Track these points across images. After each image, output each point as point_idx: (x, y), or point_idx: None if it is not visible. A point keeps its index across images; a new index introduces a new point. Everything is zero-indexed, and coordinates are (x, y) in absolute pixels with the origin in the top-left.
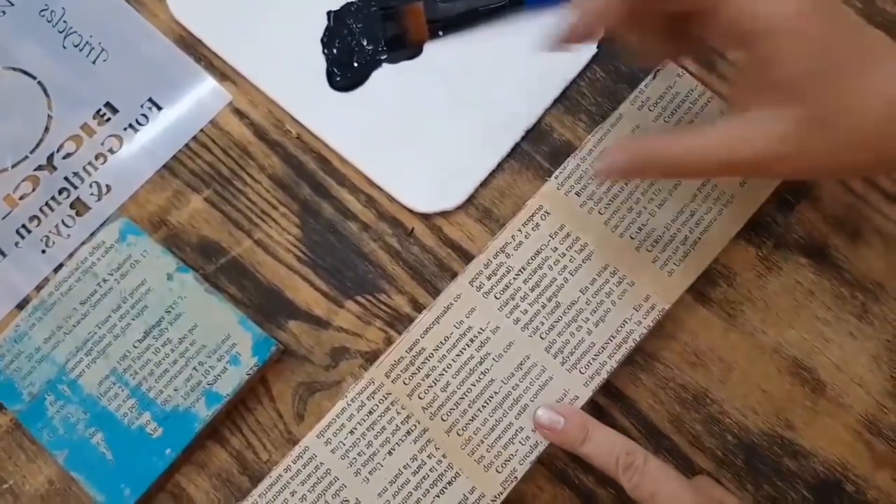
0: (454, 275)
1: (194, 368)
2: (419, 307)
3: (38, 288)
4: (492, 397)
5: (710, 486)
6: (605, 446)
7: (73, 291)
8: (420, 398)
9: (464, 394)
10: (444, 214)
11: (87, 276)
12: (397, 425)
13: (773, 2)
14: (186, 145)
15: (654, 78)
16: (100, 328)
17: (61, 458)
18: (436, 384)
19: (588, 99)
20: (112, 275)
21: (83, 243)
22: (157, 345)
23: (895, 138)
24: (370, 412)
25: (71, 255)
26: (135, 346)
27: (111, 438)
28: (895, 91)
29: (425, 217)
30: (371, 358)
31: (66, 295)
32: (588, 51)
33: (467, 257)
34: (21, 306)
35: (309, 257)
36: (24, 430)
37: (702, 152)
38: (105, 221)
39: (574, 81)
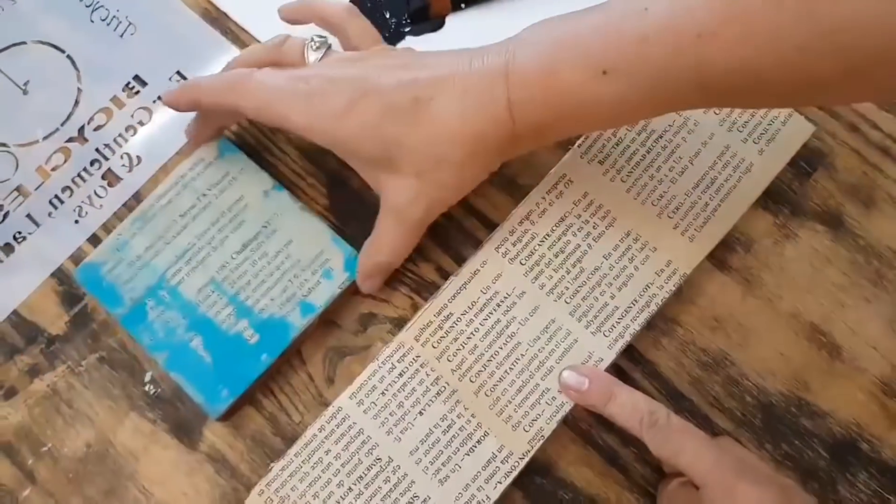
0: (478, 243)
1: (289, 280)
2: (445, 275)
3: (73, 258)
4: (518, 359)
5: (731, 445)
6: (629, 406)
7: (172, 204)
8: (449, 360)
9: (491, 356)
10: None
11: (187, 190)
12: (427, 387)
13: None
14: None
15: None
16: (199, 240)
17: (161, 360)
18: (464, 347)
19: None
20: (211, 190)
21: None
22: (254, 257)
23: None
24: (401, 374)
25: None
26: (232, 258)
27: (209, 343)
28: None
29: None
30: (398, 323)
31: (166, 207)
32: None
33: (491, 226)
34: (56, 276)
35: (337, 226)
36: (62, 396)
37: None
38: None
39: None
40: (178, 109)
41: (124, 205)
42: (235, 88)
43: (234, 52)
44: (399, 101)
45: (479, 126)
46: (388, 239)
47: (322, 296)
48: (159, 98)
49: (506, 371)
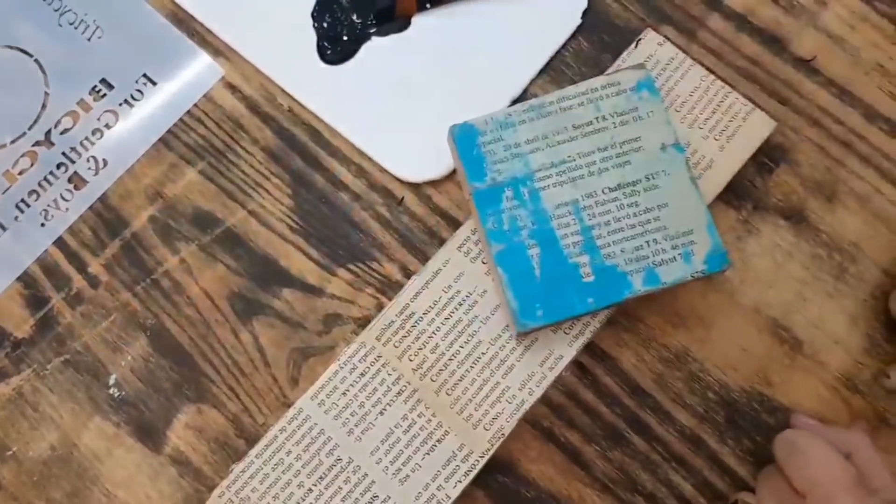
0: (443, 242)
1: (647, 242)
2: (409, 274)
3: (39, 262)
4: (479, 358)
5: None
6: None
7: (571, 112)
8: (410, 360)
9: (452, 355)
10: (432, 183)
11: (591, 105)
12: (388, 386)
13: None
14: (181, 119)
15: (635, 47)
16: (580, 158)
17: (495, 250)
18: (425, 346)
19: (573, 69)
20: (613, 116)
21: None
22: (624, 202)
23: None
24: (362, 374)
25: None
26: (604, 192)
27: (546, 258)
28: None
29: (414, 186)
30: (363, 324)
31: (564, 112)
32: (573, 22)
33: (456, 224)
34: (22, 279)
35: (301, 227)
36: (27, 399)
37: None
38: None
39: (559, 52)
40: None
41: (90, 208)
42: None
43: (200, 54)
44: None
45: None
46: None
47: (672, 273)
48: (125, 101)
49: (467, 370)
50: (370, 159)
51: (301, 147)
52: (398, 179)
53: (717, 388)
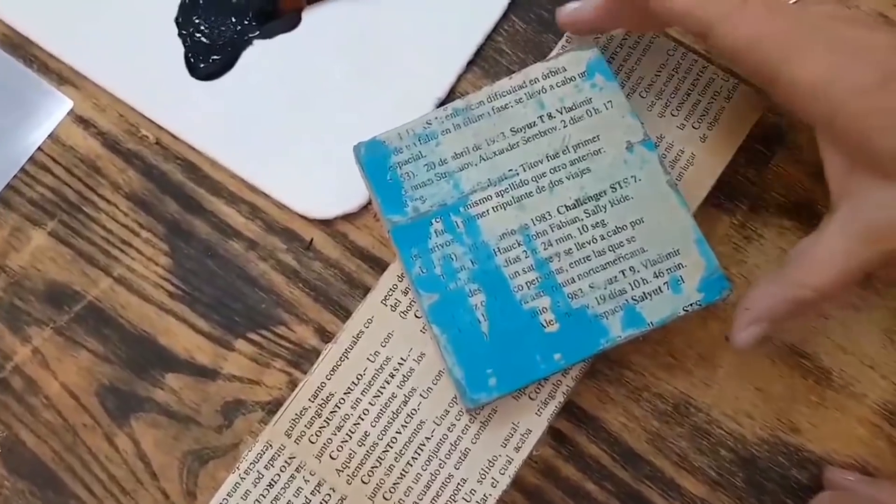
0: (368, 291)
1: (622, 272)
2: (329, 337)
3: None
4: (423, 445)
5: None
6: None
7: (508, 112)
8: (332, 458)
9: (388, 444)
10: (347, 218)
11: (531, 101)
12: (306, 497)
13: None
14: (22, 169)
15: None
16: (525, 170)
17: (427, 302)
18: (351, 437)
19: (508, 56)
20: (561, 113)
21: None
22: (586, 222)
23: None
24: (270, 484)
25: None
26: (559, 212)
27: (494, 307)
28: None
29: (325, 224)
30: (274, 409)
31: (499, 113)
32: None
33: (382, 267)
34: None
35: (184, 291)
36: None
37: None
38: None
39: (489, 37)
40: None
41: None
42: (721, 8)
43: (42, 84)
44: None
45: None
46: (832, 265)
47: (658, 310)
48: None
49: (409, 462)
50: (264, 195)
51: (175, 188)
52: (303, 217)
53: (731, 443)
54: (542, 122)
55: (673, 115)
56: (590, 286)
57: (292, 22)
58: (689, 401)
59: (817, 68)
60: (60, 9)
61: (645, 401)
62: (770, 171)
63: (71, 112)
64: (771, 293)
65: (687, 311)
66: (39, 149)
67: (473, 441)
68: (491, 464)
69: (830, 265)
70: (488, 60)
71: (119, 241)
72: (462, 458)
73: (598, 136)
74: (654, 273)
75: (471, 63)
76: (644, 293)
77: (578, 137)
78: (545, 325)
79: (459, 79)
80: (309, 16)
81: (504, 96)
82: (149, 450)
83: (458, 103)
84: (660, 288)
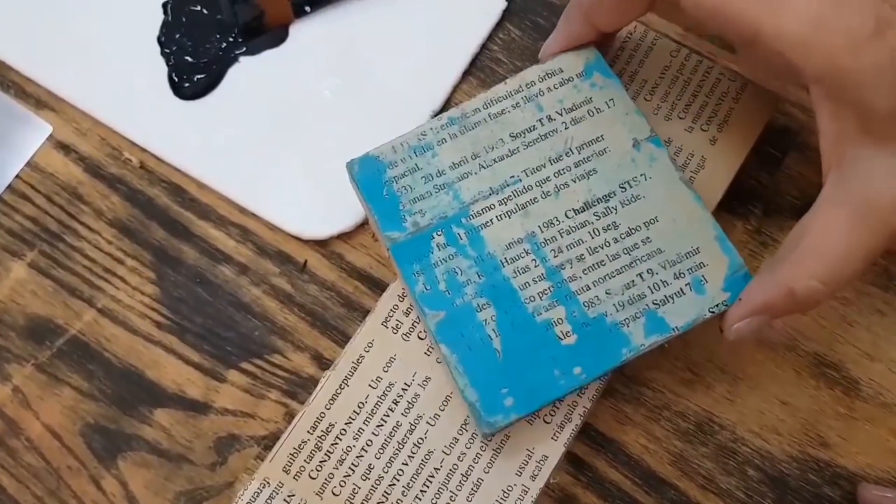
0: (367, 313)
1: (640, 275)
2: (326, 364)
3: None
4: (432, 476)
5: None
6: None
7: (505, 117)
8: (335, 494)
9: (394, 477)
10: (343, 237)
11: (529, 105)
12: None
13: None
14: None
15: None
16: (528, 176)
17: (433, 321)
18: (354, 471)
19: (505, 65)
20: (561, 114)
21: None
22: (597, 225)
23: None
24: None
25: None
26: (567, 216)
27: (505, 321)
28: None
29: (319, 245)
30: (270, 443)
31: (496, 119)
32: (497, 6)
33: (381, 288)
34: None
35: (172, 321)
36: None
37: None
38: None
39: (484, 46)
40: None
41: None
42: None
43: (18, 109)
44: None
45: None
46: (837, 244)
47: (683, 313)
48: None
49: (417, 495)
50: (254, 216)
51: (161, 213)
52: (296, 238)
53: (759, 461)
54: (542, 125)
55: (680, 118)
56: (606, 293)
57: (279, 37)
58: (711, 418)
59: (805, 15)
60: (36, 30)
61: (666, 420)
62: (783, 173)
63: (50, 137)
64: (767, 287)
65: (713, 312)
66: (18, 177)
67: (486, 470)
68: (506, 494)
69: (830, 253)
70: (484, 70)
71: (103, 271)
72: (475, 489)
73: (601, 135)
74: (675, 274)
75: (466, 73)
76: (665, 296)
77: (581, 138)
78: (561, 337)
79: (455, 90)
80: (297, 30)
81: (500, 102)
82: (138, 492)
83: (452, 112)
84: (682, 290)
